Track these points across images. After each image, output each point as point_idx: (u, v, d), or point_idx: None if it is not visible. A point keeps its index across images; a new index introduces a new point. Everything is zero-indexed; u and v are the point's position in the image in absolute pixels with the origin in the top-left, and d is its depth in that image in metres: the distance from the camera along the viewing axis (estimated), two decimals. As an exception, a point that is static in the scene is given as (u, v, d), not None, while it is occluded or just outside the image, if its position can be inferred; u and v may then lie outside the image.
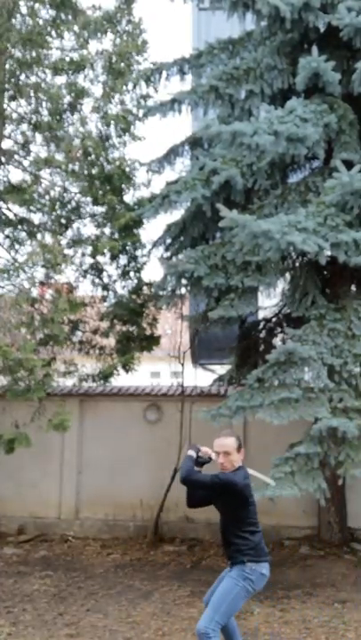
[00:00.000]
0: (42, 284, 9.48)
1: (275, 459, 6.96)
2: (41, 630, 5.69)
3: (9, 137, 10.03)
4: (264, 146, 7.07)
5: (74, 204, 10.18)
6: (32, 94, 9.67)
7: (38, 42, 9.22)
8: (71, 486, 10.19)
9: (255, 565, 4.20)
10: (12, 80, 9.52)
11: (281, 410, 6.91)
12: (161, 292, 8.58)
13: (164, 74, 8.97)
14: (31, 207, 9.75)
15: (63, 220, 10.08)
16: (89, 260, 10.23)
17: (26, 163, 10.12)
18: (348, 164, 7.08)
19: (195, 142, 9.40)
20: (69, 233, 10.21)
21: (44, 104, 9.75)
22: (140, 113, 9.82)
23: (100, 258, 10.13)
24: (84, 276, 10.33)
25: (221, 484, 4.21)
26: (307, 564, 8.03)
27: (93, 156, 9.74)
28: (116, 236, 9.73)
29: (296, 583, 7.21)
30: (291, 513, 9.25)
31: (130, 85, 9.92)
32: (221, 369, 11.57)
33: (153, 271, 46.88)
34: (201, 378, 12.12)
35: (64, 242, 9.88)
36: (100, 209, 10.06)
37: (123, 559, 8.61)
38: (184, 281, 8.00)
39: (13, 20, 9.33)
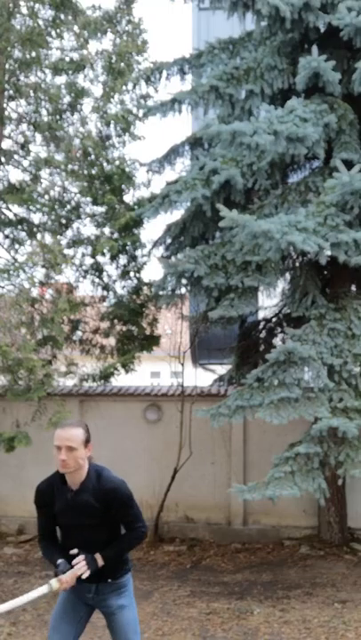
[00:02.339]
0: (42, 284, 9.46)
1: (275, 458, 6.97)
2: (41, 630, 5.68)
3: (9, 137, 10.02)
4: (264, 145, 7.07)
5: (73, 203, 10.17)
6: (32, 94, 9.67)
7: (38, 42, 9.21)
8: (71, 486, 10.17)
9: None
10: (12, 80, 9.51)
11: (281, 409, 6.91)
12: (161, 292, 8.57)
13: (164, 74, 8.96)
14: (31, 207, 9.73)
15: (63, 220, 10.07)
16: (89, 260, 10.22)
17: (25, 163, 10.11)
18: (349, 164, 7.08)
19: (195, 142, 9.39)
20: (69, 233, 10.20)
21: (43, 104, 9.76)
22: (140, 113, 9.80)
23: (99, 258, 10.11)
24: (84, 276, 10.31)
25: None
26: (307, 564, 8.03)
27: (93, 156, 9.73)
28: (116, 235, 9.72)
29: (296, 583, 7.21)
30: (291, 513, 9.24)
31: (130, 85, 9.90)
32: (221, 369, 11.56)
33: (153, 271, 46.91)
34: (201, 378, 12.09)
35: (64, 242, 9.87)
36: (99, 209, 10.04)
37: (123, 559, 8.60)
38: (184, 281, 7.99)
39: (13, 21, 9.33)
